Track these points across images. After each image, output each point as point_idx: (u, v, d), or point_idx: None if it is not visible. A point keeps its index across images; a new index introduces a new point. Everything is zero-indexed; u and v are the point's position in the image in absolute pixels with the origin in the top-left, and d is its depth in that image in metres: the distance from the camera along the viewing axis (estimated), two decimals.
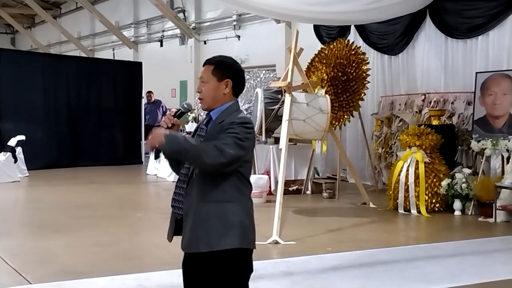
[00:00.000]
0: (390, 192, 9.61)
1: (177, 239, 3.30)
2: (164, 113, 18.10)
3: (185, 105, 3.40)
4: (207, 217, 3.13)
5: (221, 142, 3.07)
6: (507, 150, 9.03)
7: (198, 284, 3.25)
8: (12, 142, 12.79)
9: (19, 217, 9.39)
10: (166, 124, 3.22)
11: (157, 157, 3.36)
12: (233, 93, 3.27)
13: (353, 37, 12.60)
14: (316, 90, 10.18)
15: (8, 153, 12.49)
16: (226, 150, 3.05)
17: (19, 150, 12.94)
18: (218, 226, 3.12)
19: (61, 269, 6.02)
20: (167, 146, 3.04)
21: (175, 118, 3.25)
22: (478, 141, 9.43)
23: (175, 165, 3.38)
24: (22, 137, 12.99)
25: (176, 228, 3.29)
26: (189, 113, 15.37)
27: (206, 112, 3.31)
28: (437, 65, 11.29)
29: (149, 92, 17.79)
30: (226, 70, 3.25)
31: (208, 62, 3.28)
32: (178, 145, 3.04)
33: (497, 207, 8.63)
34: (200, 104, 3.31)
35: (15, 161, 12.70)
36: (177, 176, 3.32)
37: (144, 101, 17.04)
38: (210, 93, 3.23)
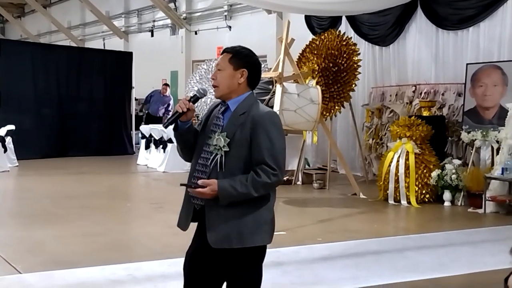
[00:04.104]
0: (381, 183, 9.64)
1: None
2: (167, 109, 17.96)
3: (201, 90, 3.35)
4: (239, 214, 3.12)
5: (267, 158, 3.13)
6: (497, 141, 9.06)
7: (210, 276, 3.23)
8: (2, 131, 12.72)
9: (8, 207, 9.35)
10: (182, 108, 3.19)
11: (171, 124, 3.25)
12: (248, 84, 3.29)
13: (344, 28, 12.58)
14: (307, 81, 10.18)
15: None
16: (274, 170, 3.12)
17: (8, 139, 12.86)
18: (251, 223, 3.13)
19: (51, 258, 6.00)
20: (222, 202, 3.09)
21: (190, 103, 3.23)
22: (468, 132, 9.46)
23: (186, 152, 3.33)
24: (12, 127, 12.92)
25: (193, 217, 3.26)
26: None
27: (220, 101, 3.29)
28: (428, 56, 11.31)
29: (166, 85, 17.64)
30: (243, 60, 3.25)
31: (226, 51, 3.28)
32: (232, 197, 3.08)
33: (487, 198, 8.68)
34: (214, 92, 3.30)
35: (5, 150, 12.62)
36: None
37: (134, 91, 16.87)
38: (225, 81, 3.23)
